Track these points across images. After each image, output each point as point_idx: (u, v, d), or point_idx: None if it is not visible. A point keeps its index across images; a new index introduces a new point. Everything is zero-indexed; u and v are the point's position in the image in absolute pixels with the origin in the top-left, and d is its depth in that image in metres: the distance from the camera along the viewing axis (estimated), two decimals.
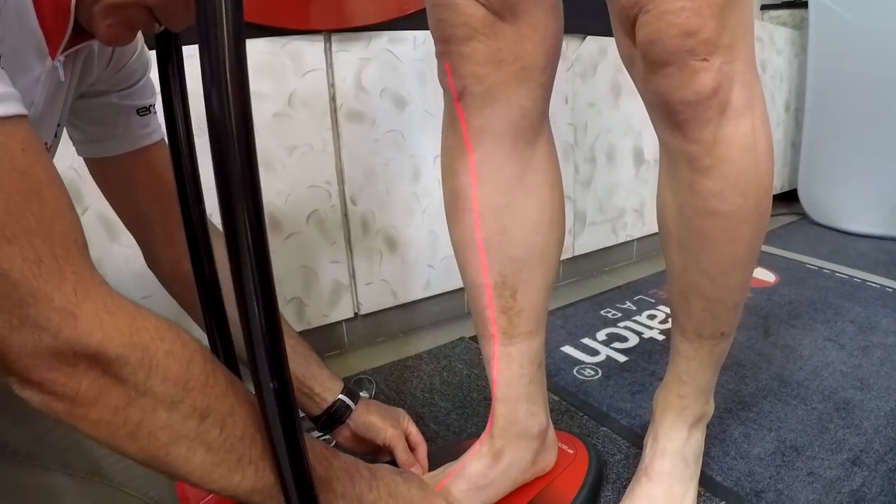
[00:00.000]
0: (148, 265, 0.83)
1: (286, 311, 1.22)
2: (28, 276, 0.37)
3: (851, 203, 2.10)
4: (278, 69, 1.14)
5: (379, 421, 0.89)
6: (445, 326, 1.48)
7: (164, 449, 0.45)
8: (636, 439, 1.02)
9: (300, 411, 0.90)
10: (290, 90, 1.16)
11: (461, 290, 1.50)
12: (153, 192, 0.75)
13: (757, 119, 0.61)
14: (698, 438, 0.86)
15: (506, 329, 0.78)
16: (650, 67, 0.58)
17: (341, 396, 0.87)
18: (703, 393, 0.83)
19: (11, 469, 0.66)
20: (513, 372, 0.80)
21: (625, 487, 0.88)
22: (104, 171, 0.76)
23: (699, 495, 0.86)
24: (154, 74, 0.64)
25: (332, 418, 0.87)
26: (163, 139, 0.72)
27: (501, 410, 0.81)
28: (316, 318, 1.29)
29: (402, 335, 1.44)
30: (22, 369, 0.38)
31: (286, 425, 0.47)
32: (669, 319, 1.45)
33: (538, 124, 0.74)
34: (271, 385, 0.46)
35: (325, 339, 1.34)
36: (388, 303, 1.38)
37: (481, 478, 0.80)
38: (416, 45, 1.28)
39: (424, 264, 1.41)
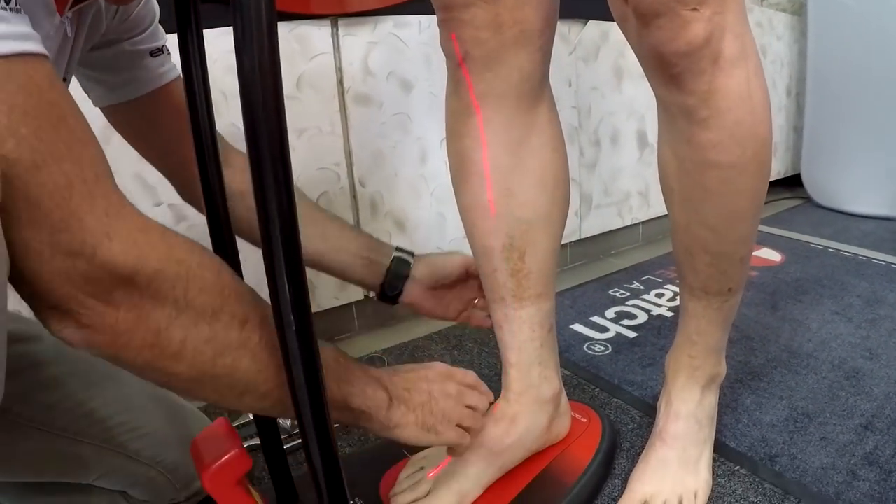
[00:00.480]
0: (184, 199, 0.84)
1: None
2: (59, 201, 0.37)
3: (854, 185, 2.11)
4: (286, 53, 1.15)
5: (443, 256, 0.90)
6: None
7: (210, 363, 0.45)
8: (648, 409, 1.02)
9: (364, 287, 0.92)
10: (299, 73, 1.17)
11: None
12: (178, 126, 0.74)
13: (751, 69, 0.61)
14: (711, 401, 0.87)
15: (515, 292, 0.79)
16: (642, 21, 0.59)
17: (396, 254, 0.88)
18: (714, 353, 0.84)
19: (24, 437, 0.67)
20: (524, 335, 0.80)
21: (638, 455, 0.89)
22: (127, 117, 0.77)
23: (713, 461, 0.87)
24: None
25: (396, 276, 0.87)
26: (179, 76, 0.71)
27: (515, 375, 0.82)
28: (326, 300, 1.29)
29: (411, 317, 1.45)
30: (59, 300, 0.38)
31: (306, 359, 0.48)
32: (678, 298, 1.46)
33: (539, 88, 0.74)
34: (292, 320, 0.46)
35: (335, 322, 1.35)
36: None
37: (497, 443, 0.81)
38: (422, 30, 1.29)
39: (433, 246, 1.41)
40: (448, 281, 0.90)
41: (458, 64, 0.71)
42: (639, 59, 0.65)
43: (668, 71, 0.61)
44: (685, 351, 0.84)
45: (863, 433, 0.94)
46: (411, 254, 0.90)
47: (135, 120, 0.77)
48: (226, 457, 0.58)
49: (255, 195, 0.43)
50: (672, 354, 0.87)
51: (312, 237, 0.83)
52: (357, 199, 1.29)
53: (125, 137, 0.79)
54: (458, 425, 0.68)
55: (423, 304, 0.90)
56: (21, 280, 0.38)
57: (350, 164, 1.26)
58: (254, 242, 0.73)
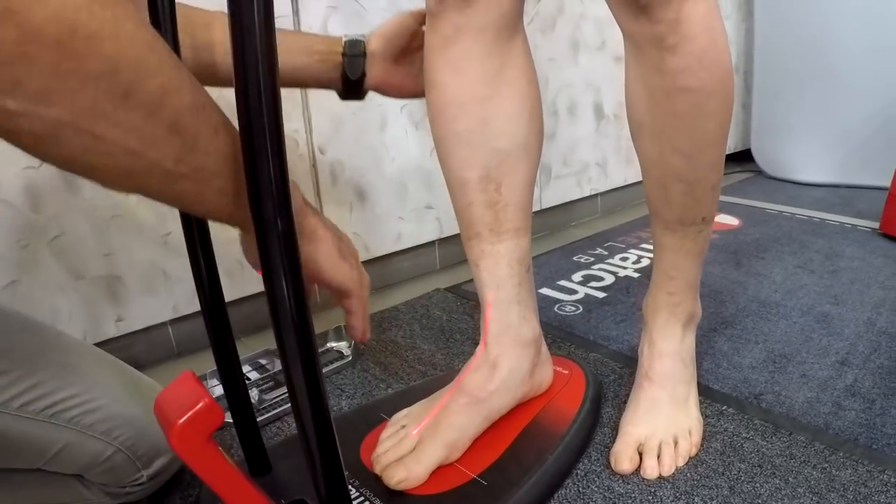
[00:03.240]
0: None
1: None
2: None
3: (803, 156, 2.15)
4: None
5: (390, 20, 0.85)
6: (420, 280, 1.46)
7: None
8: (627, 361, 1.01)
9: (325, 86, 0.86)
10: None
11: (432, 243, 1.48)
12: None
13: (711, 3, 0.64)
14: (691, 340, 0.86)
15: (492, 226, 0.77)
16: None
17: (346, 37, 0.83)
18: (692, 288, 0.84)
19: None
20: (502, 272, 0.78)
21: (624, 403, 0.87)
22: None
23: (700, 403, 0.85)
24: None
25: (354, 57, 0.82)
26: None
27: (494, 315, 0.79)
28: None
29: (375, 291, 1.41)
30: None
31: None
32: (642, 260, 1.46)
33: (515, 23, 0.74)
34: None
35: None
36: (361, 256, 1.33)
37: (481, 390, 0.78)
38: None
39: (395, 216, 1.38)
40: (405, 41, 0.85)
41: None
42: None
43: (638, 2, 0.62)
44: (664, 289, 0.83)
45: (840, 368, 0.95)
46: (361, 35, 0.85)
47: None
48: (194, 409, 0.53)
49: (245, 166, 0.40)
50: (650, 296, 0.86)
51: None
52: (317, 168, 1.24)
53: None
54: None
55: (391, 80, 0.85)
56: None
57: (309, 131, 1.22)
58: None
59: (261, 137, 0.40)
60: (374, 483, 0.72)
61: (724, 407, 0.87)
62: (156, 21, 0.56)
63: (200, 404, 0.53)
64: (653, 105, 0.69)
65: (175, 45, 0.58)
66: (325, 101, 1.21)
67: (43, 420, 0.64)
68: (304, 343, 0.44)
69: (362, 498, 0.70)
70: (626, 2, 0.63)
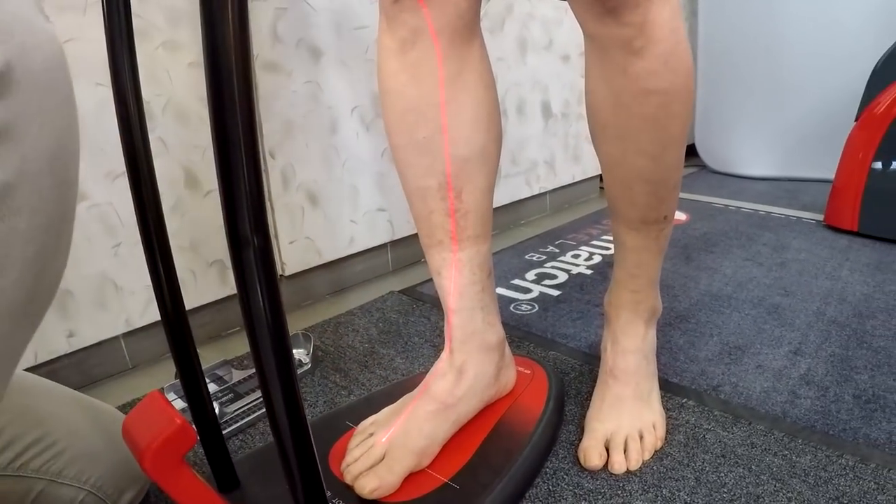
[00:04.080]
0: None
1: (207, 275, 1.15)
2: None
3: (746, 150, 2.21)
4: (193, 17, 1.06)
5: None
6: (373, 283, 1.44)
7: None
8: (587, 358, 1.01)
9: None
10: None
11: (384, 245, 1.47)
12: None
13: (674, 6, 0.65)
14: (653, 336, 0.87)
15: (454, 233, 0.76)
16: None
17: None
18: (653, 285, 0.84)
19: None
20: (465, 279, 0.77)
21: (586, 400, 0.88)
22: None
23: (661, 397, 0.86)
24: None
25: None
26: None
27: (457, 322, 0.78)
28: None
29: (329, 296, 1.38)
30: None
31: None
32: (594, 257, 1.48)
33: (472, 25, 0.72)
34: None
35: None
36: (314, 261, 1.32)
37: (448, 396, 0.77)
38: None
39: (347, 219, 1.36)
40: None
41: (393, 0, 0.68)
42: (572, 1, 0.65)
43: (605, 4, 0.61)
44: (627, 287, 0.84)
45: (794, 358, 0.97)
46: None
47: None
48: (166, 432, 0.51)
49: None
50: (612, 293, 0.87)
51: None
52: (268, 173, 1.21)
53: None
54: None
55: None
56: None
57: (260, 135, 1.18)
58: None
59: (236, 155, 0.39)
60: (346, 493, 0.70)
61: (685, 400, 0.88)
62: (111, 29, 0.54)
63: (172, 426, 0.51)
64: (617, 108, 0.69)
65: (131, 54, 0.56)
66: (276, 103, 1.19)
67: (11, 474, 0.60)
68: (281, 363, 0.43)
69: None
70: (592, 4, 0.62)
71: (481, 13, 0.68)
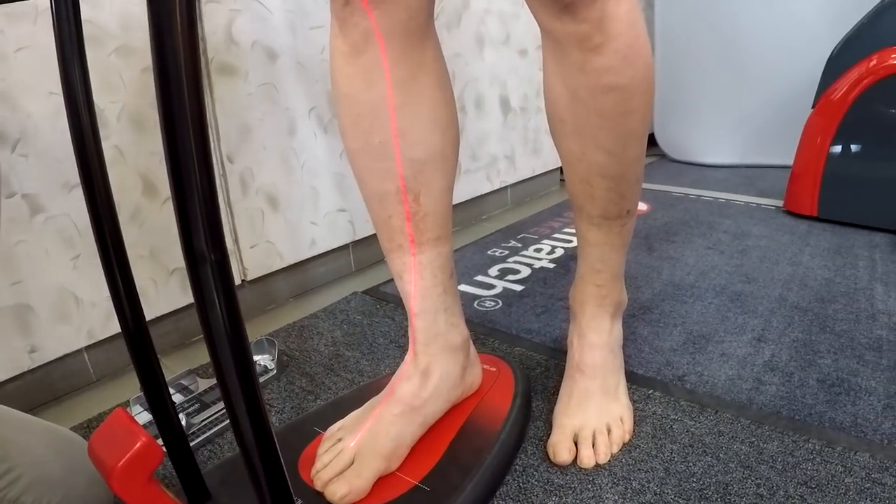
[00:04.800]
0: None
1: (168, 284, 1.12)
2: None
3: (705, 139, 2.24)
4: (145, 21, 1.03)
5: None
6: (336, 284, 1.42)
7: None
8: (552, 353, 1.01)
9: None
10: None
11: (346, 246, 1.45)
12: None
13: None
14: (619, 329, 0.87)
15: (413, 237, 0.75)
16: None
17: None
18: (618, 279, 0.84)
19: None
20: (426, 282, 0.76)
21: (553, 395, 0.88)
22: None
23: (628, 389, 0.86)
24: None
25: None
26: None
27: (421, 325, 0.78)
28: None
29: (292, 300, 1.36)
30: None
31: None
32: (556, 251, 1.48)
33: (425, 26, 0.71)
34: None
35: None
36: (276, 265, 1.30)
37: (415, 398, 0.76)
38: None
39: (308, 221, 1.34)
40: None
41: (345, 1, 0.66)
42: None
43: (562, 1, 0.60)
44: (591, 281, 0.83)
45: (757, 345, 0.98)
46: None
47: None
48: (132, 449, 0.50)
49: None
50: (577, 288, 0.86)
51: None
52: (226, 177, 1.19)
53: None
54: None
55: None
56: None
57: (217, 139, 1.16)
58: None
59: (189, 171, 0.38)
60: (317, 499, 0.69)
61: (651, 391, 0.88)
62: (61, 37, 0.53)
63: (138, 444, 0.52)
64: (575, 104, 0.67)
65: (82, 61, 0.54)
66: (232, 106, 1.17)
67: None
68: (244, 377, 0.42)
69: None
70: (548, 1, 0.61)
71: (437, 10, 0.67)
